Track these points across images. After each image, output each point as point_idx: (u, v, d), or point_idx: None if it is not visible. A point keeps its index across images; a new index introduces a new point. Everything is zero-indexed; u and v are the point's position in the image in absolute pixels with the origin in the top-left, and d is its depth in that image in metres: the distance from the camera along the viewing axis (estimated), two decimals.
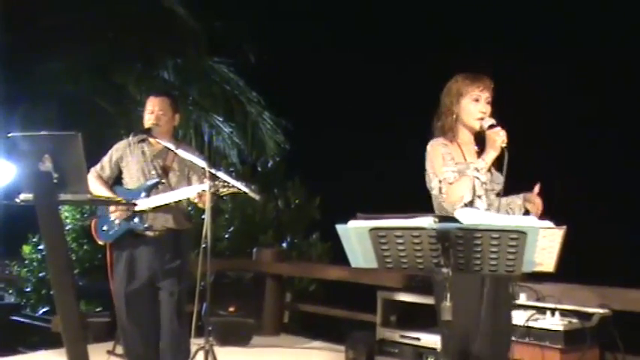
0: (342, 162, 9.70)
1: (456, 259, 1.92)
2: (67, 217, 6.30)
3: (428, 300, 4.05)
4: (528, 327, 3.42)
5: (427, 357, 4.00)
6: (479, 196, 2.55)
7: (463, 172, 2.51)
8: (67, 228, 6.19)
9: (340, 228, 1.94)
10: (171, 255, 3.35)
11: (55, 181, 2.56)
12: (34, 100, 6.56)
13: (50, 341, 4.75)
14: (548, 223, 1.87)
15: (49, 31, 6.34)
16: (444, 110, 2.65)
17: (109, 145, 3.60)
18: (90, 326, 5.20)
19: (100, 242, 3.42)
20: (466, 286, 2.41)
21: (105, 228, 3.38)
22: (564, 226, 1.86)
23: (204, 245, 3.15)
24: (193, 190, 3.24)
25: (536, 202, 2.59)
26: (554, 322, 3.40)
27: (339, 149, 9.68)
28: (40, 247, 6.36)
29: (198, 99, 7.86)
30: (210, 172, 3.15)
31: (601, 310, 3.49)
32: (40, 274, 6.41)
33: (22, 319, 6.41)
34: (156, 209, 3.29)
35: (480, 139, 2.64)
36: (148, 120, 3.37)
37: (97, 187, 3.35)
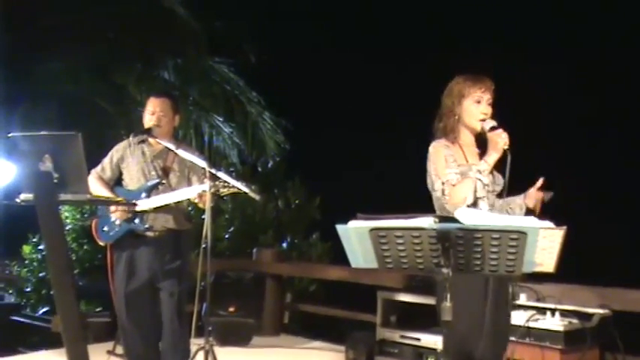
0: (342, 162, 9.70)
1: (456, 260, 1.92)
2: (67, 217, 6.31)
3: (428, 300, 4.06)
4: (528, 327, 3.42)
5: (427, 357, 4.00)
6: (481, 198, 2.57)
7: (465, 174, 2.52)
8: (67, 228, 6.19)
9: (340, 228, 1.94)
10: (171, 255, 3.35)
11: (55, 181, 2.56)
12: (35, 100, 6.56)
13: (50, 341, 4.75)
14: (549, 224, 1.87)
15: (49, 31, 6.33)
16: (446, 111, 2.65)
17: (109, 145, 3.60)
18: (90, 326, 5.20)
19: (101, 243, 3.42)
20: (470, 286, 2.42)
21: (105, 229, 3.38)
22: (564, 227, 1.86)
23: (204, 245, 3.15)
24: (194, 191, 3.24)
25: (536, 196, 2.59)
26: (555, 323, 3.39)
27: (339, 149, 9.69)
28: (41, 247, 6.36)
29: (198, 99, 7.86)
30: (210, 172, 3.15)
31: (601, 311, 3.49)
32: (41, 274, 6.41)
33: (22, 319, 6.41)
34: (156, 210, 3.29)
35: (481, 141, 2.65)
36: (149, 121, 3.37)
37: (98, 189, 3.35)
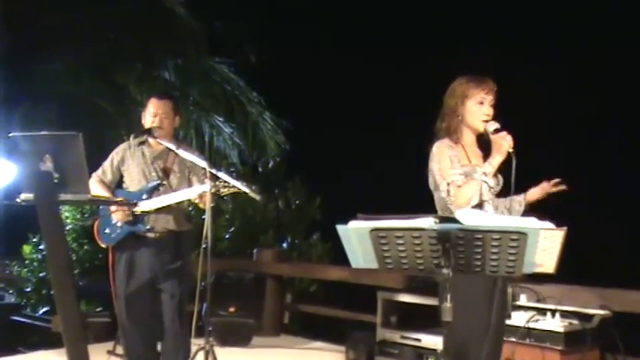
0: (343, 162, 9.71)
1: (456, 260, 1.92)
2: (67, 217, 6.30)
3: (428, 301, 4.06)
4: (529, 328, 3.42)
5: (428, 358, 3.99)
6: (487, 201, 2.58)
7: (469, 175, 2.53)
8: (67, 228, 6.18)
9: (341, 228, 1.94)
10: (172, 256, 3.35)
11: (55, 181, 2.56)
12: (35, 100, 6.56)
13: (50, 341, 4.75)
14: (549, 225, 1.87)
15: (50, 32, 6.34)
16: (449, 111, 2.65)
17: (110, 145, 3.60)
18: (90, 326, 5.21)
19: (103, 245, 3.42)
20: (474, 287, 2.42)
21: (107, 231, 3.38)
22: (565, 228, 1.87)
23: (204, 246, 3.15)
24: (194, 191, 3.25)
25: (546, 187, 2.64)
26: (555, 324, 3.39)
27: (340, 149, 9.69)
28: (41, 247, 6.36)
29: (198, 99, 7.86)
30: (210, 172, 3.15)
31: (601, 312, 3.49)
32: (41, 274, 6.41)
33: (22, 319, 6.40)
34: (157, 211, 3.29)
35: (483, 141, 2.66)
36: (151, 122, 3.37)
37: (100, 192, 3.35)
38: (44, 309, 6.38)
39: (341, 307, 5.53)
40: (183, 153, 3.34)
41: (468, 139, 2.67)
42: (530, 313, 3.52)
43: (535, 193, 2.69)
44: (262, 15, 8.05)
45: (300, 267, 6.39)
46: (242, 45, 7.80)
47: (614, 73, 8.26)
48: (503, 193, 2.69)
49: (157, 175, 3.40)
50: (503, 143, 2.46)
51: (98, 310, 5.77)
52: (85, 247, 6.27)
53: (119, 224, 3.34)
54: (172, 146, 3.36)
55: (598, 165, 8.32)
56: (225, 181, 3.19)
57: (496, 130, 2.53)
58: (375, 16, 10.17)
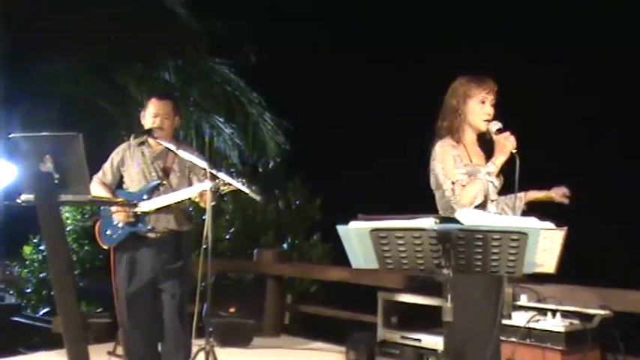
0: (343, 162, 9.71)
1: (457, 260, 1.92)
2: (67, 218, 6.31)
3: (429, 301, 4.06)
4: (529, 328, 3.42)
5: (428, 358, 3.99)
6: (492, 201, 2.59)
7: (472, 174, 2.54)
8: (67, 229, 6.19)
9: (341, 229, 1.94)
10: (172, 256, 3.35)
11: (56, 181, 2.56)
12: (35, 101, 6.56)
13: (51, 342, 4.75)
14: (549, 225, 1.87)
15: (50, 32, 6.34)
16: (450, 111, 2.66)
17: (110, 145, 3.60)
18: (91, 327, 5.21)
19: (104, 246, 3.42)
20: (478, 287, 2.42)
21: (108, 232, 3.38)
22: (565, 228, 1.87)
23: (205, 246, 3.15)
24: (195, 190, 3.25)
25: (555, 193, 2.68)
26: (555, 324, 3.39)
27: (340, 150, 9.69)
28: (41, 247, 6.37)
29: (199, 100, 7.86)
30: (210, 172, 3.15)
31: (602, 312, 3.49)
32: (41, 275, 6.42)
33: (22, 320, 6.40)
34: (158, 211, 3.30)
35: (484, 141, 2.67)
36: (152, 123, 3.37)
37: (101, 194, 3.35)
38: (45, 310, 6.38)
39: (341, 307, 5.53)
40: (183, 153, 3.34)
41: (469, 138, 2.68)
42: (531, 313, 3.52)
43: (537, 194, 2.70)
44: (262, 15, 8.05)
45: (300, 267, 6.39)
46: (242, 45, 7.80)
47: (614, 73, 8.26)
48: (505, 192, 2.70)
49: (157, 175, 3.40)
50: (507, 144, 2.47)
51: (99, 310, 5.78)
52: (86, 248, 6.28)
53: (120, 225, 3.34)
54: (172, 147, 3.37)
55: (598, 165, 8.32)
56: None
57: (499, 130, 2.53)
58: (375, 16, 10.17)
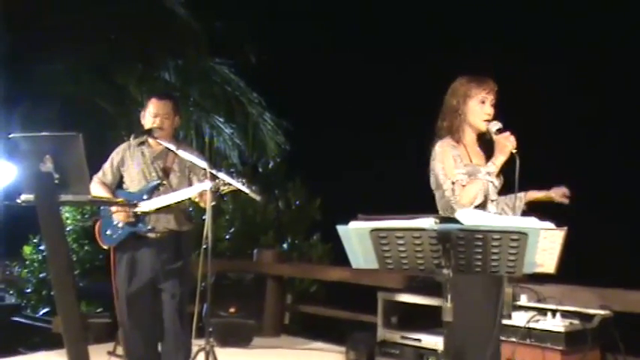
0: (343, 162, 9.71)
1: (456, 260, 1.92)
2: (67, 218, 6.31)
3: (429, 301, 4.06)
4: (529, 328, 3.42)
5: (428, 358, 3.99)
6: (492, 201, 2.60)
7: (472, 174, 2.54)
8: (67, 229, 6.19)
9: (341, 229, 1.94)
10: (172, 256, 3.35)
11: (56, 181, 2.56)
12: (35, 101, 6.56)
13: (51, 342, 4.75)
14: (549, 225, 1.87)
15: (50, 32, 6.34)
16: (450, 111, 2.66)
17: (110, 145, 3.60)
18: (91, 327, 5.21)
19: (105, 247, 3.42)
20: (478, 287, 2.42)
21: (109, 232, 3.38)
22: (565, 228, 1.87)
23: (205, 246, 3.15)
24: (195, 190, 3.25)
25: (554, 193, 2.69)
26: (555, 324, 3.39)
27: (340, 150, 9.69)
28: (41, 247, 6.36)
29: (199, 100, 7.86)
30: (211, 172, 3.15)
31: (602, 312, 3.49)
32: (41, 275, 6.41)
33: (22, 320, 6.40)
34: (158, 210, 3.30)
35: (483, 141, 2.67)
36: (152, 123, 3.37)
37: (102, 194, 3.35)
38: (45, 310, 6.37)
39: (341, 307, 5.53)
40: (183, 153, 3.34)
41: (469, 138, 2.68)
42: (531, 313, 3.52)
43: (537, 194, 2.71)
44: (262, 15, 8.05)
45: (300, 267, 6.39)
46: (242, 45, 7.80)
47: (614, 73, 8.26)
48: (505, 192, 2.70)
49: (157, 175, 3.40)
50: (507, 144, 2.48)
51: (98, 310, 5.78)
52: (86, 248, 6.27)
53: (120, 225, 3.34)
54: (172, 147, 3.37)
55: (598, 165, 8.32)
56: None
57: (499, 130, 2.54)
58: (375, 16, 10.17)
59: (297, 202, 7.66)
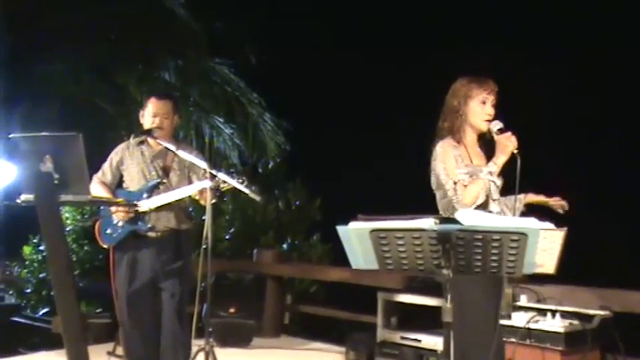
0: (343, 163, 9.71)
1: (456, 261, 1.92)
2: (67, 218, 6.30)
3: (429, 301, 4.06)
4: (529, 329, 3.42)
5: (428, 358, 3.99)
6: (494, 200, 2.60)
7: (473, 174, 2.54)
8: (67, 229, 6.18)
9: (341, 229, 1.94)
10: (172, 256, 3.35)
11: (55, 181, 2.56)
12: (35, 101, 6.56)
13: (51, 342, 4.75)
14: (549, 225, 1.87)
15: (50, 32, 6.34)
16: (451, 111, 2.67)
17: (110, 145, 3.60)
18: (90, 327, 5.21)
19: (105, 246, 3.42)
20: (478, 288, 2.43)
21: (109, 231, 3.38)
22: (565, 228, 1.87)
23: (204, 246, 3.15)
24: (195, 187, 3.25)
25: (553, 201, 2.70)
26: (555, 324, 3.39)
27: (340, 150, 9.70)
28: (41, 247, 6.35)
29: (199, 100, 7.86)
30: (211, 173, 3.15)
31: (602, 312, 3.49)
32: (41, 275, 6.41)
33: (22, 320, 6.40)
34: (158, 209, 3.30)
35: (484, 142, 2.68)
36: (152, 123, 3.37)
37: (101, 193, 3.35)
38: (44, 310, 6.37)
39: (341, 307, 5.52)
40: (182, 153, 3.34)
41: (470, 139, 2.68)
42: (531, 314, 3.52)
43: (536, 198, 2.73)
44: (262, 15, 8.05)
45: (300, 268, 6.39)
46: (242, 46, 7.80)
47: (614, 73, 8.26)
48: (505, 193, 2.71)
49: (157, 174, 3.40)
50: (508, 144, 2.49)
51: (98, 311, 5.77)
52: (86, 248, 6.27)
53: (120, 224, 3.34)
54: (172, 147, 3.37)
55: (598, 165, 8.32)
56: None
57: (500, 130, 2.54)
58: (375, 17, 10.18)
59: (297, 203, 7.66)
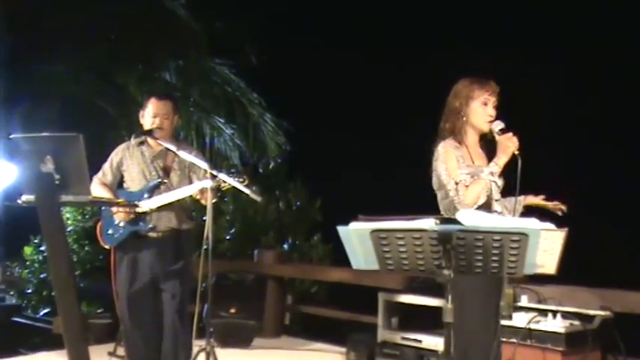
0: (343, 163, 9.71)
1: (457, 261, 1.92)
2: (68, 219, 6.30)
3: (429, 302, 4.06)
4: (530, 329, 3.42)
5: (429, 359, 4.00)
6: (496, 200, 2.61)
7: (475, 175, 2.55)
8: (68, 229, 6.18)
9: (342, 230, 1.95)
10: (173, 256, 3.35)
11: (56, 182, 2.56)
12: (36, 101, 6.56)
13: (51, 342, 4.75)
14: (550, 225, 1.87)
15: (51, 32, 6.33)
16: (452, 112, 2.67)
17: (111, 146, 3.60)
18: (91, 327, 5.21)
19: (106, 246, 3.42)
20: (479, 288, 2.43)
21: (110, 232, 3.38)
22: (566, 228, 1.87)
23: (205, 247, 3.16)
24: (195, 187, 3.25)
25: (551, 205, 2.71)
26: (556, 325, 3.39)
27: (340, 150, 9.70)
28: (42, 248, 6.36)
29: (199, 100, 7.85)
30: (211, 173, 3.15)
31: (602, 313, 3.49)
32: (42, 276, 6.41)
33: (23, 321, 6.40)
34: (159, 209, 3.30)
35: (485, 141, 2.68)
36: (152, 124, 3.37)
37: (103, 194, 3.35)
38: (45, 310, 6.37)
39: (342, 308, 5.53)
40: (183, 154, 3.34)
41: (472, 139, 2.69)
42: (532, 314, 3.52)
43: (535, 200, 2.73)
44: (263, 16, 8.05)
45: (301, 268, 6.39)
46: (243, 46, 7.80)
47: (614, 73, 8.26)
48: (505, 194, 2.71)
49: (158, 174, 3.41)
50: (510, 145, 2.49)
51: (99, 311, 5.77)
52: (86, 249, 6.27)
53: (122, 224, 3.34)
54: (173, 147, 3.37)
55: (598, 165, 8.32)
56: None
57: (501, 131, 2.55)
58: (375, 17, 10.18)
59: (298, 203, 7.66)
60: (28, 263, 6.64)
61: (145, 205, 3.27)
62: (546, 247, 1.87)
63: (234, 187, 3.28)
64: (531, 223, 1.88)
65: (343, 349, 4.56)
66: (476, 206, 2.51)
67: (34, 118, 6.17)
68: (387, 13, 10.08)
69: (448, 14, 9.45)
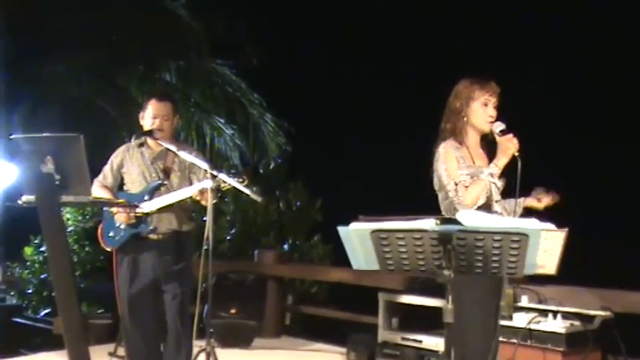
0: (344, 163, 9.72)
1: (457, 262, 1.92)
2: (68, 219, 6.31)
3: (430, 302, 4.06)
4: (530, 329, 3.42)
5: (429, 359, 3.99)
6: (496, 201, 2.61)
7: (475, 175, 2.55)
8: (68, 230, 6.19)
9: (342, 230, 1.95)
10: (174, 257, 3.35)
11: (57, 182, 2.56)
12: (36, 102, 6.56)
13: (52, 343, 4.75)
14: (550, 226, 1.87)
15: (52, 34, 6.34)
16: (453, 113, 2.67)
17: (111, 147, 3.60)
18: (91, 328, 5.21)
19: (108, 249, 3.42)
20: (479, 288, 2.43)
21: (111, 234, 3.38)
22: (566, 229, 1.87)
23: (205, 247, 3.16)
24: (195, 188, 3.25)
25: (550, 198, 2.71)
26: (556, 325, 3.39)
27: (341, 151, 9.71)
28: (42, 248, 6.37)
29: (200, 101, 7.86)
30: (211, 173, 3.15)
31: (603, 313, 3.49)
32: (42, 276, 6.42)
33: (23, 321, 6.40)
34: (160, 211, 3.30)
35: (486, 142, 2.68)
36: (152, 125, 3.37)
37: (103, 196, 3.35)
38: (45, 311, 6.38)
39: (342, 308, 5.52)
40: (183, 154, 3.34)
41: (472, 140, 2.69)
42: (532, 315, 3.52)
43: (533, 202, 2.73)
44: (263, 16, 8.06)
45: (301, 268, 6.39)
46: (243, 47, 7.81)
47: (614, 73, 8.27)
48: (505, 195, 2.71)
49: (158, 175, 3.40)
50: (510, 146, 2.49)
51: (99, 311, 5.78)
52: (87, 249, 6.28)
53: (122, 226, 3.34)
54: (173, 148, 3.37)
55: (598, 166, 8.32)
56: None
57: (502, 132, 2.54)
58: (375, 17, 10.19)
59: (298, 203, 7.66)
60: (28, 263, 6.64)
61: (146, 207, 3.27)
62: (546, 248, 1.87)
63: (234, 188, 3.28)
64: (531, 224, 1.88)
65: (343, 350, 4.56)
66: (475, 207, 2.51)
67: (34, 119, 6.18)
68: (388, 14, 10.09)
69: (448, 14, 9.47)
